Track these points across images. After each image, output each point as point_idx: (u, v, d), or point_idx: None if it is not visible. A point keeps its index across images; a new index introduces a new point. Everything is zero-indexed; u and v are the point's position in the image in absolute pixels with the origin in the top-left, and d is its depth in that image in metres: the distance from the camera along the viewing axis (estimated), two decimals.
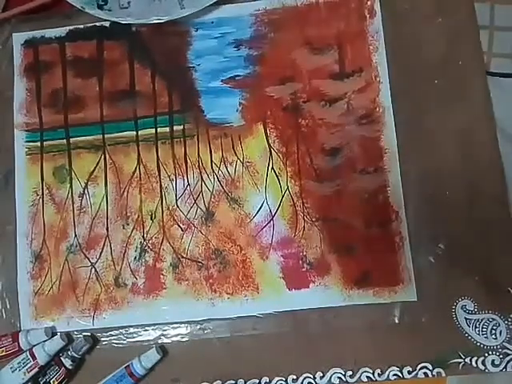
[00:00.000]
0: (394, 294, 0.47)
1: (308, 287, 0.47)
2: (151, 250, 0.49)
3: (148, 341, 0.48)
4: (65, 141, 0.52)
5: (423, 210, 0.47)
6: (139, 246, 0.50)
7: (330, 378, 0.46)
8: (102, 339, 0.49)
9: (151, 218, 0.50)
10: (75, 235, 0.50)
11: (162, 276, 0.49)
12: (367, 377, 0.46)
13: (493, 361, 0.45)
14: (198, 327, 0.48)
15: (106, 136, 0.51)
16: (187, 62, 0.52)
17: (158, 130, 0.51)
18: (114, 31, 0.53)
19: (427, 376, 0.45)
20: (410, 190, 0.48)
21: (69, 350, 0.47)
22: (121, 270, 0.49)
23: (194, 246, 0.49)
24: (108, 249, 0.50)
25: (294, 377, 0.46)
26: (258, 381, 0.47)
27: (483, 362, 0.45)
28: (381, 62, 0.50)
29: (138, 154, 0.51)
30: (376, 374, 0.46)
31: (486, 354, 0.45)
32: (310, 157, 0.49)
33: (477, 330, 0.46)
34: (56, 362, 0.47)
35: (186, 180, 0.50)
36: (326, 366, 0.46)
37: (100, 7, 0.51)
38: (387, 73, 0.49)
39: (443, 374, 0.45)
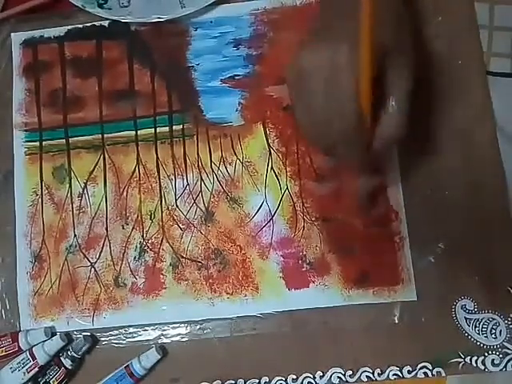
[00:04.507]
0: (394, 294, 0.47)
1: (308, 287, 0.47)
2: (151, 249, 0.49)
3: (148, 341, 0.48)
4: (64, 140, 0.52)
5: (423, 210, 0.47)
6: (139, 246, 0.49)
7: (330, 377, 0.46)
8: (102, 339, 0.49)
9: (151, 218, 0.50)
10: (74, 235, 0.50)
11: (161, 276, 0.49)
12: (367, 376, 0.46)
13: (493, 360, 0.45)
14: (198, 327, 0.48)
15: (105, 136, 0.51)
16: (186, 61, 0.52)
17: (158, 129, 0.51)
18: (113, 31, 0.53)
19: (427, 376, 0.45)
20: (409, 190, 0.48)
21: (68, 350, 0.47)
22: (120, 269, 0.49)
23: (194, 246, 0.49)
24: (107, 249, 0.50)
25: (294, 377, 0.46)
26: (257, 381, 0.47)
27: (483, 362, 0.45)
28: None
29: (138, 154, 0.51)
30: (376, 374, 0.46)
31: (486, 354, 0.45)
32: (310, 157, 0.49)
33: (477, 329, 0.46)
34: (56, 362, 0.47)
35: (185, 180, 0.50)
36: (325, 366, 0.46)
37: (100, 6, 0.51)
38: None
39: (443, 374, 0.45)
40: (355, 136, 0.37)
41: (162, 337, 0.48)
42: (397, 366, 0.46)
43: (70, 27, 0.53)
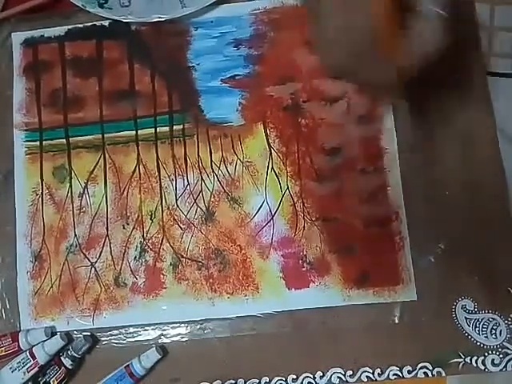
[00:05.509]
0: (394, 294, 0.47)
1: (308, 287, 0.47)
2: (151, 249, 0.49)
3: (148, 341, 0.48)
4: (64, 140, 0.52)
5: (423, 210, 0.47)
6: (139, 246, 0.49)
7: (330, 377, 0.46)
8: (102, 339, 0.49)
9: (151, 218, 0.50)
10: (75, 235, 0.50)
11: (162, 276, 0.49)
12: (367, 376, 0.46)
13: (493, 360, 0.45)
14: (198, 327, 0.48)
15: (105, 136, 0.51)
16: (187, 61, 0.52)
17: (158, 129, 0.51)
18: (113, 31, 0.53)
19: (427, 376, 0.45)
20: (409, 190, 0.48)
21: (69, 349, 0.47)
22: (121, 269, 0.49)
23: (194, 246, 0.49)
24: (108, 248, 0.50)
25: (294, 377, 0.46)
26: (257, 381, 0.47)
27: (483, 362, 0.45)
28: None
29: (138, 154, 0.51)
30: (376, 374, 0.46)
31: (486, 354, 0.45)
32: (310, 157, 0.49)
33: (477, 329, 0.46)
34: (56, 362, 0.47)
35: (185, 180, 0.50)
36: (325, 366, 0.46)
37: (101, 5, 0.51)
38: None
39: (443, 374, 0.45)
40: (376, 52, 0.35)
41: (162, 337, 0.48)
42: (397, 366, 0.46)
43: (70, 27, 0.53)
